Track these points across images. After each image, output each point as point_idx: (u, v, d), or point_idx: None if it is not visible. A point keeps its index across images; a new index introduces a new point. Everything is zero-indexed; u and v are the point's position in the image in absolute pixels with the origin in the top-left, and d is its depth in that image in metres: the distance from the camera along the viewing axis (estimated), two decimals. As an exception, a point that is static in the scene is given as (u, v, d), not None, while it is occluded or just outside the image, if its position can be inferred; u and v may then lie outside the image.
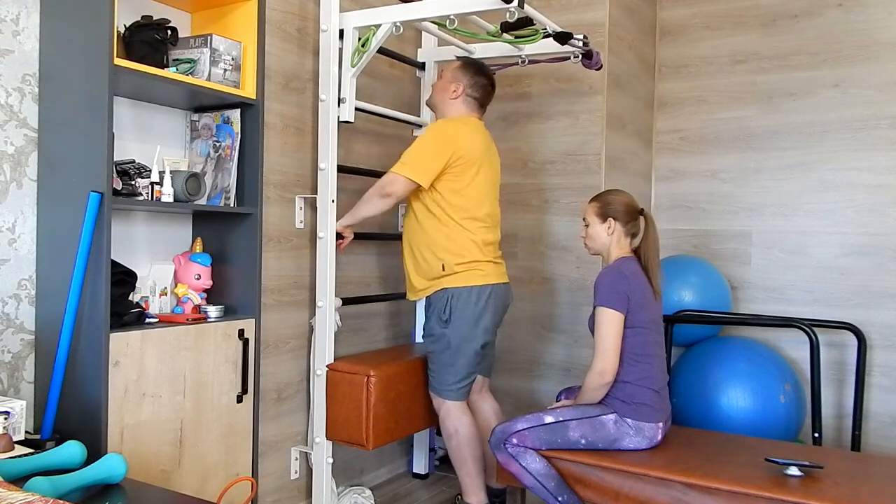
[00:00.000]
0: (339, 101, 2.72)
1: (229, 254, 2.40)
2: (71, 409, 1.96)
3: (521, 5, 2.37)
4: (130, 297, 2.13)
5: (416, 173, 2.62)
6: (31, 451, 1.79)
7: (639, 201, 3.41)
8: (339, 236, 2.78)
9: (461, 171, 2.66)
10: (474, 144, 2.70)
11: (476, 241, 2.69)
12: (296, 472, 2.87)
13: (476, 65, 2.83)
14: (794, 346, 3.37)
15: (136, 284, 2.16)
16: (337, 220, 2.74)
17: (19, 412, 1.86)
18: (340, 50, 2.73)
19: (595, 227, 2.51)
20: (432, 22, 2.78)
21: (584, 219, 2.55)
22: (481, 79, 2.80)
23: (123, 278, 2.07)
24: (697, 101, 3.67)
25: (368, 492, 2.97)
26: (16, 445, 1.82)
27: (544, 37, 2.68)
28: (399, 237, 3.27)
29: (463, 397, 2.73)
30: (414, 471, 3.43)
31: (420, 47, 3.42)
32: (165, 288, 2.31)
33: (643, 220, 2.48)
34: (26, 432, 1.93)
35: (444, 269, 2.68)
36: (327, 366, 2.73)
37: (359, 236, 2.96)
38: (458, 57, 2.95)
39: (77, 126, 1.97)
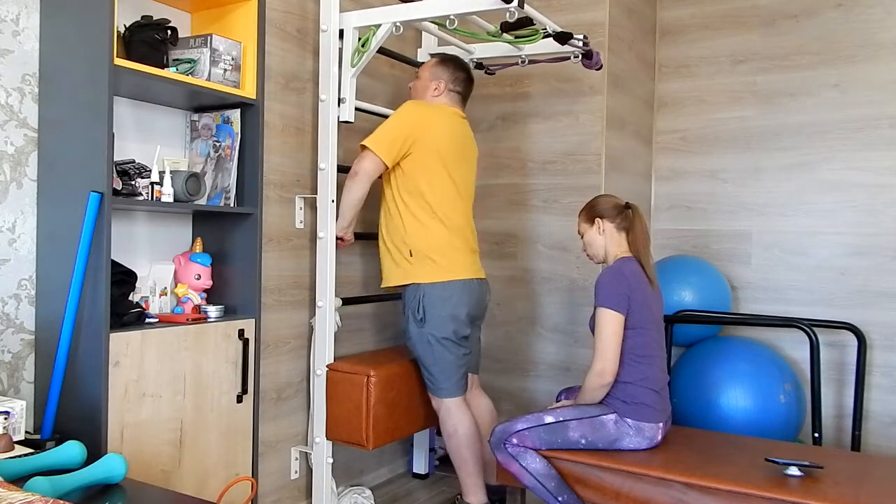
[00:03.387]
0: (339, 101, 2.72)
1: (229, 254, 2.40)
2: (71, 409, 1.96)
3: (521, 5, 2.37)
4: (130, 297, 2.13)
5: (379, 147, 2.61)
6: (31, 451, 1.79)
7: (639, 201, 3.43)
8: (339, 238, 2.78)
9: (430, 154, 2.66)
10: (443, 128, 2.70)
11: (446, 229, 2.68)
12: (296, 472, 2.87)
13: (453, 59, 2.86)
14: (794, 346, 3.37)
15: (136, 284, 2.16)
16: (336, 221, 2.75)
17: (19, 412, 1.86)
18: (340, 50, 2.73)
19: (588, 233, 2.54)
20: (432, 22, 2.78)
21: (578, 232, 2.58)
22: (460, 73, 2.83)
23: (123, 278, 2.07)
24: (697, 101, 3.67)
25: (368, 492, 2.97)
26: (16, 445, 1.82)
27: (544, 37, 2.68)
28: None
29: (459, 392, 2.73)
30: (414, 471, 3.43)
31: (420, 47, 3.42)
32: (165, 288, 2.31)
33: (631, 213, 2.49)
34: (26, 432, 1.93)
35: (411, 255, 2.68)
36: (327, 366, 2.73)
37: (359, 236, 2.96)
38: (431, 54, 2.96)
39: (77, 126, 1.97)
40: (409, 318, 2.72)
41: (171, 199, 2.13)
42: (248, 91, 2.33)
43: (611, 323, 2.33)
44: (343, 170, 2.85)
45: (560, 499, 2.33)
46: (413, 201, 2.68)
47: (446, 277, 2.66)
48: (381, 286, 2.86)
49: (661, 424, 2.36)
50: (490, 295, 2.87)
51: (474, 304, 2.72)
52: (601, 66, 2.92)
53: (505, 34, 2.67)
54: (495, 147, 3.48)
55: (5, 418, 1.78)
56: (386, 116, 3.10)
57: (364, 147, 2.65)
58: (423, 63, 3.35)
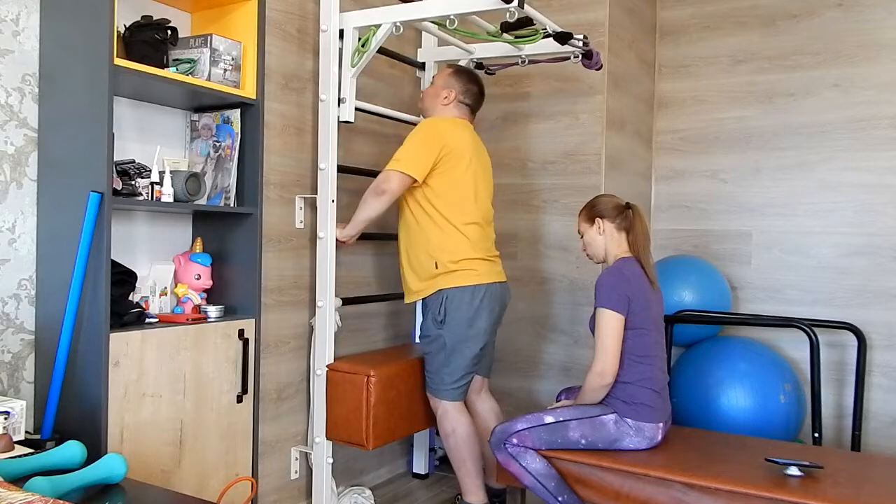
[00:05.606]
0: (339, 101, 2.72)
1: (229, 254, 2.40)
2: (71, 409, 1.96)
3: (521, 5, 2.37)
4: (130, 297, 2.14)
5: (409, 167, 2.63)
6: (31, 451, 1.79)
7: (639, 201, 3.43)
8: (340, 240, 2.79)
9: (452, 167, 2.68)
10: (465, 141, 2.73)
11: (469, 239, 2.69)
12: (296, 472, 2.87)
13: (468, 72, 2.88)
14: (794, 346, 3.37)
15: (136, 284, 2.16)
16: (337, 221, 2.75)
17: (19, 412, 1.86)
18: (340, 50, 2.73)
19: (588, 233, 2.54)
20: (432, 22, 2.78)
21: (578, 232, 2.58)
22: (473, 86, 2.84)
23: (123, 278, 2.07)
24: (697, 101, 3.67)
25: (368, 492, 2.97)
26: (16, 445, 1.82)
27: (544, 37, 2.68)
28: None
29: (460, 397, 2.73)
30: (414, 471, 3.43)
31: (420, 47, 3.42)
32: (165, 288, 2.31)
33: (631, 213, 2.49)
34: (26, 432, 1.93)
35: (437, 268, 2.69)
36: (327, 366, 2.73)
37: (360, 236, 2.95)
38: (449, 64, 2.98)
39: (77, 126, 1.97)
40: (429, 318, 2.73)
41: (171, 199, 2.13)
42: (248, 91, 2.33)
43: (611, 323, 2.33)
44: (343, 170, 2.85)
45: (560, 499, 2.33)
46: (438, 214, 2.69)
47: (471, 282, 2.67)
48: (406, 302, 2.86)
49: (661, 424, 2.36)
50: (510, 296, 2.87)
51: (497, 310, 2.74)
52: (601, 66, 2.92)
53: (505, 34, 2.68)
54: (496, 147, 3.48)
55: (5, 418, 1.78)
56: (386, 116, 3.10)
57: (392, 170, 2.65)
58: (423, 63, 3.37)
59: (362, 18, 2.69)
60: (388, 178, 2.64)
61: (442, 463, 3.49)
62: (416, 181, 2.65)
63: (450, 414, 2.71)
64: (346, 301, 2.89)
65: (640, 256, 2.45)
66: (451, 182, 2.68)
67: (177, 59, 2.25)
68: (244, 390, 2.31)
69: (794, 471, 2.14)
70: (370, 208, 2.69)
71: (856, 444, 3.07)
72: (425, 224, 2.71)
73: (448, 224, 2.68)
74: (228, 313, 2.36)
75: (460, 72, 2.86)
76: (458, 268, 2.67)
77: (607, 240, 2.50)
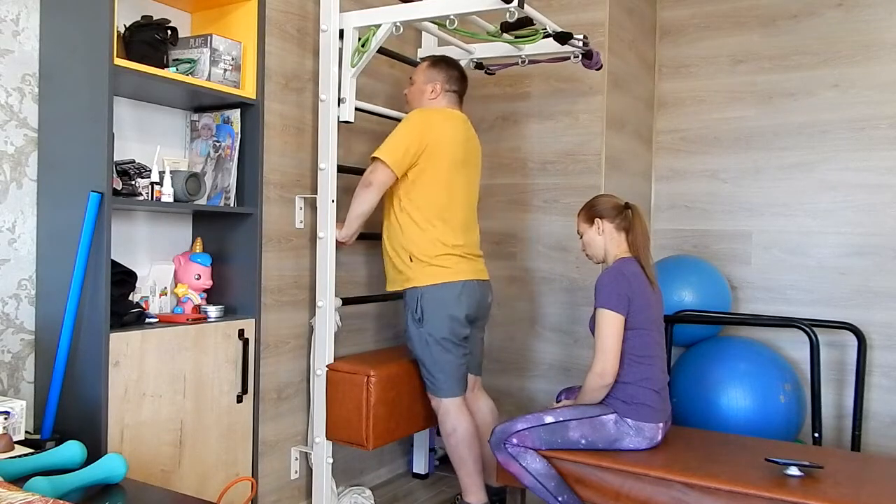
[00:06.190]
0: (339, 101, 2.72)
1: (229, 254, 2.40)
2: (71, 409, 1.96)
3: (521, 5, 2.37)
4: (130, 297, 2.14)
5: (389, 157, 2.62)
6: (31, 451, 1.79)
7: (639, 201, 3.44)
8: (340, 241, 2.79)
9: (435, 163, 2.66)
10: (450, 135, 2.71)
11: (445, 236, 2.68)
12: (296, 472, 2.87)
13: (444, 60, 2.86)
14: (794, 346, 3.37)
15: (136, 284, 2.17)
16: (336, 221, 2.75)
17: (19, 412, 1.86)
18: (340, 50, 2.73)
19: (588, 234, 2.54)
20: (432, 22, 2.78)
21: (578, 232, 2.58)
22: (453, 71, 2.83)
23: (123, 278, 2.07)
24: (697, 101, 3.67)
25: (368, 492, 2.97)
26: (16, 445, 1.82)
27: (544, 37, 2.68)
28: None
29: (458, 392, 2.73)
30: (414, 471, 3.43)
31: (420, 47, 3.42)
32: (165, 288, 2.31)
33: (631, 213, 2.49)
34: (26, 432, 1.93)
35: (411, 260, 2.69)
36: (327, 366, 2.73)
37: (360, 236, 2.95)
38: (422, 58, 2.97)
39: (77, 126, 1.97)
40: (409, 318, 2.73)
41: (171, 199, 2.13)
42: (248, 91, 2.33)
43: (611, 324, 2.33)
44: (343, 170, 2.85)
45: (560, 499, 2.33)
46: (414, 208, 2.68)
47: (445, 279, 2.67)
48: (387, 289, 2.86)
49: (661, 424, 2.36)
50: (492, 296, 2.88)
51: (474, 306, 2.73)
52: (601, 66, 2.92)
53: (505, 34, 2.68)
54: (495, 147, 3.48)
55: (5, 418, 1.78)
56: (386, 117, 3.10)
57: (375, 158, 2.65)
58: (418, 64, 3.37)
59: (362, 18, 2.69)
60: (374, 170, 2.65)
61: (442, 463, 3.49)
62: (397, 176, 2.65)
63: (451, 413, 2.71)
64: (346, 301, 2.89)
65: (639, 256, 2.45)
66: (431, 178, 2.67)
67: (177, 59, 2.25)
68: (244, 390, 2.31)
69: (794, 471, 2.14)
70: (361, 201, 2.68)
71: (856, 444, 3.07)
72: (401, 219, 2.71)
73: (424, 220, 2.67)
74: (228, 313, 2.36)
75: (437, 61, 2.84)
76: (433, 263, 2.67)
77: (607, 240, 2.50)
